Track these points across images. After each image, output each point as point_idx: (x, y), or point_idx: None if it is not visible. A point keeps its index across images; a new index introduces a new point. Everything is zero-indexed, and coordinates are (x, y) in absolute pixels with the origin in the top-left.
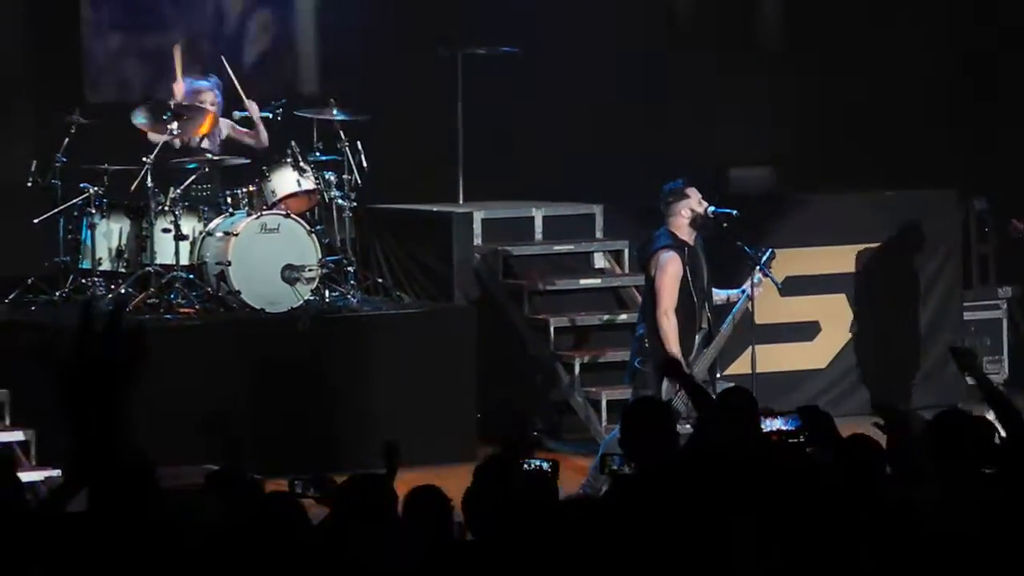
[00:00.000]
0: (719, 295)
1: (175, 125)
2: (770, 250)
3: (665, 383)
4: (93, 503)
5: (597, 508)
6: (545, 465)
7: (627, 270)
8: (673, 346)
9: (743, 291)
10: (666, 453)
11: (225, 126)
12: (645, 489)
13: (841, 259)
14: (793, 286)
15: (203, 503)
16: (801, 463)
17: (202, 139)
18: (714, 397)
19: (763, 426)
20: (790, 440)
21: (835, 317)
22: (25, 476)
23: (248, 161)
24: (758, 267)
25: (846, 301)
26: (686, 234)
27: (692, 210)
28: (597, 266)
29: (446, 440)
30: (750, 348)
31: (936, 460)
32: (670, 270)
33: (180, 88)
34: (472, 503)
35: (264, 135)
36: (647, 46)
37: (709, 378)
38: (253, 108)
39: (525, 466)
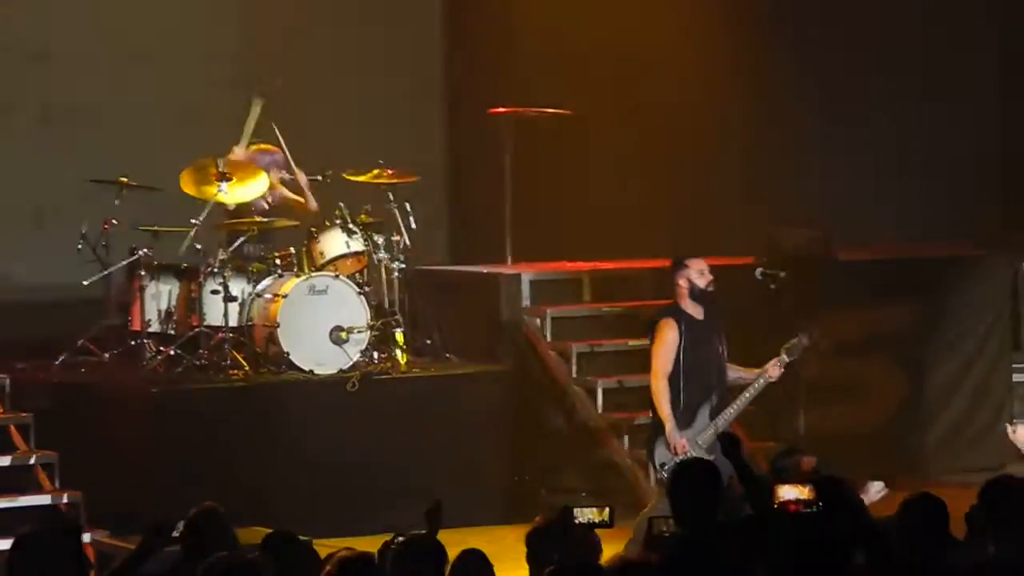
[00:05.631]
0: (738, 373)
1: (223, 186)
2: (804, 335)
3: (660, 447)
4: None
5: (653, 572)
6: (596, 518)
7: None
8: (665, 409)
9: (762, 374)
10: (713, 514)
11: (278, 189)
12: (696, 552)
13: (889, 321)
14: (841, 348)
15: (260, 564)
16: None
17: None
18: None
19: (779, 495)
20: (806, 510)
21: (882, 379)
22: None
23: (297, 224)
24: (783, 350)
25: (893, 363)
26: (688, 305)
27: (690, 281)
28: None
29: (486, 501)
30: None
31: (989, 525)
32: (661, 337)
33: (241, 150)
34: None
35: (313, 202)
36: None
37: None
38: (301, 177)
39: (578, 519)
